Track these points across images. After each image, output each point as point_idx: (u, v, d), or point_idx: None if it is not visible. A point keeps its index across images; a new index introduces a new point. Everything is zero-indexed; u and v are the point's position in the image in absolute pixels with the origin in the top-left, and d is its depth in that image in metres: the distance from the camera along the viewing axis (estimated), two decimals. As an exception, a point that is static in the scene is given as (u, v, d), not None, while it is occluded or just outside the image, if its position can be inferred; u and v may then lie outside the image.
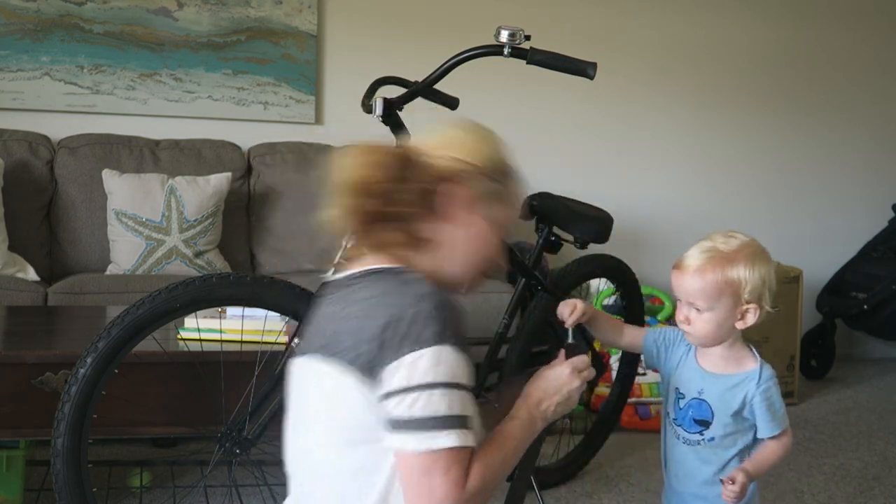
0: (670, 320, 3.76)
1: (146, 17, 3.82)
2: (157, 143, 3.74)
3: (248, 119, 3.97)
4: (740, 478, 1.56)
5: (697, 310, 1.61)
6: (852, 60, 4.94)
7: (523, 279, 2.56)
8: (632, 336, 1.80)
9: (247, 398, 2.02)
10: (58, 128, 3.70)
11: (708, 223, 4.68)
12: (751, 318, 1.61)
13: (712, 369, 1.65)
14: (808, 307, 4.49)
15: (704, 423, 1.63)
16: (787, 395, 3.99)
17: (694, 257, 1.61)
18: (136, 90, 3.83)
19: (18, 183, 3.47)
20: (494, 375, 2.59)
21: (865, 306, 4.32)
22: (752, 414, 1.61)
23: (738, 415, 1.61)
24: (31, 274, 3.29)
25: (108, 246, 3.49)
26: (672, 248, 4.53)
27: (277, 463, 2.76)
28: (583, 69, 1.93)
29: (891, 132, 5.04)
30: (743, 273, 1.59)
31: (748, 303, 1.60)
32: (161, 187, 3.45)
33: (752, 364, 1.64)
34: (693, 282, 1.60)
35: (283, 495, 2.57)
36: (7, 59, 3.68)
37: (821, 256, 4.79)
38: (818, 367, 4.48)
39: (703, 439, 1.63)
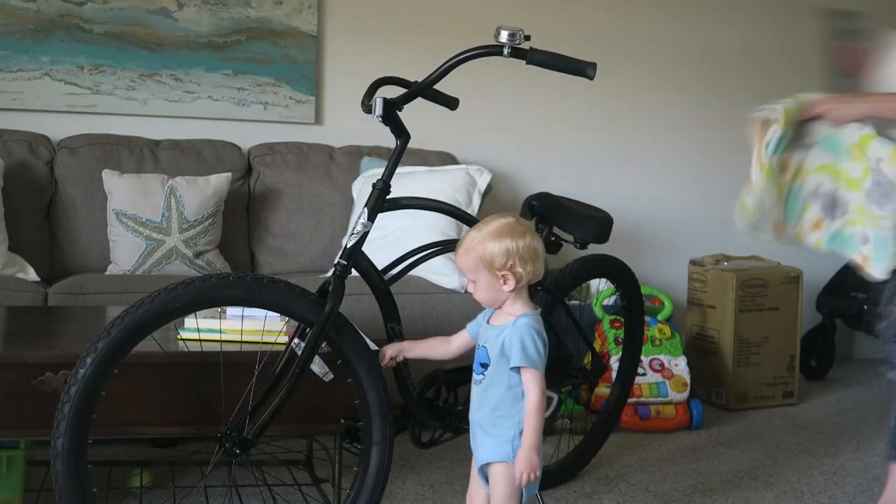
0: (670, 320, 3.76)
1: (146, 18, 3.82)
2: (157, 143, 3.74)
3: (248, 119, 3.97)
4: (519, 466, 1.87)
5: (473, 281, 1.98)
6: (852, 60, 4.93)
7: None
8: (459, 338, 2.13)
9: (247, 398, 2.02)
10: (58, 128, 3.70)
11: (707, 223, 4.69)
12: (511, 282, 1.94)
13: (494, 323, 2.00)
14: (808, 307, 4.49)
15: (485, 365, 1.97)
16: (787, 395, 3.99)
17: (462, 241, 1.98)
18: (136, 90, 3.83)
19: (18, 183, 3.47)
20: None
21: (865, 306, 4.32)
22: (511, 351, 1.92)
23: (502, 354, 1.94)
24: (31, 274, 3.29)
25: (108, 246, 3.49)
26: (672, 248, 4.55)
27: (277, 463, 2.77)
28: (582, 69, 1.93)
29: (891, 132, 5.04)
30: (490, 249, 1.93)
31: (500, 270, 1.93)
32: (161, 187, 3.45)
33: (515, 316, 1.96)
34: (461, 261, 1.98)
35: (283, 495, 2.58)
36: (7, 60, 3.68)
37: (821, 256, 4.75)
38: (818, 367, 4.48)
39: (483, 378, 1.98)
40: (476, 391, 2.00)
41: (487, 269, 1.94)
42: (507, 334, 1.93)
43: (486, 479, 1.99)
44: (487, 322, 2.03)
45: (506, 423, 1.95)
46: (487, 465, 1.97)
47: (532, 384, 1.90)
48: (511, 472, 1.92)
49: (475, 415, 2.00)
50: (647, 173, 4.57)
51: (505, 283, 1.94)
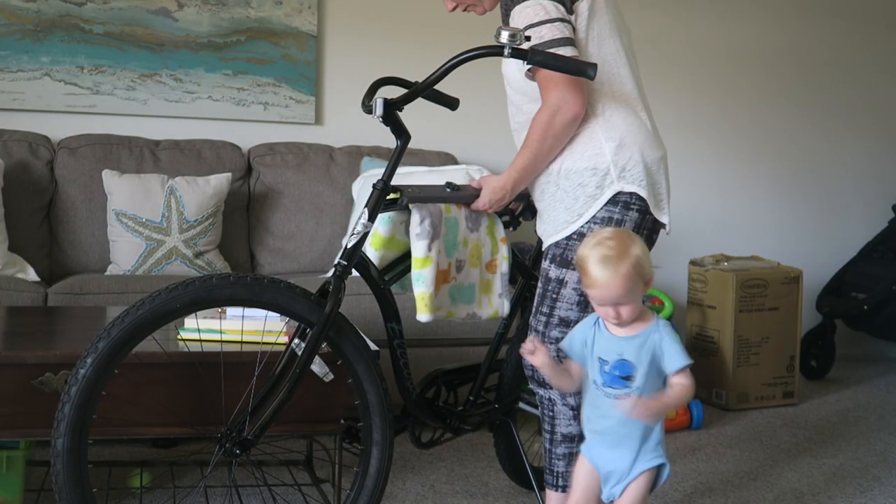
0: (670, 320, 3.76)
1: (146, 18, 3.82)
2: (157, 143, 3.74)
3: (248, 119, 3.98)
4: (651, 403, 1.87)
5: (622, 305, 1.89)
6: (852, 60, 4.94)
7: (523, 279, 2.56)
8: (573, 369, 2.03)
9: (247, 398, 2.02)
10: (58, 128, 3.71)
11: (707, 223, 4.69)
12: (650, 283, 1.93)
13: (624, 334, 1.93)
14: (808, 307, 4.50)
15: (629, 378, 1.91)
16: (787, 395, 3.99)
17: (603, 274, 1.87)
18: (137, 90, 3.83)
19: (18, 183, 3.47)
20: (495, 376, 2.60)
21: (865, 307, 4.33)
22: (663, 357, 1.90)
23: (652, 364, 1.90)
24: (31, 274, 3.29)
25: (108, 246, 3.49)
26: (672, 249, 4.55)
27: (277, 463, 2.77)
28: (583, 70, 1.93)
29: (891, 132, 5.05)
30: (635, 256, 1.88)
31: (645, 277, 1.90)
32: (161, 188, 3.45)
33: (650, 319, 1.94)
34: (615, 290, 1.87)
35: (283, 495, 2.58)
36: (7, 60, 3.68)
37: (821, 256, 4.79)
38: (818, 368, 4.48)
39: (630, 391, 1.91)
40: (614, 408, 1.93)
41: (641, 280, 1.89)
42: (654, 340, 1.90)
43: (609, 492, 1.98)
44: (610, 332, 1.96)
45: (657, 427, 1.95)
46: (637, 476, 1.94)
47: (690, 378, 1.89)
48: (651, 477, 1.94)
49: (622, 429, 1.94)
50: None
51: (645, 289, 1.91)
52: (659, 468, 1.97)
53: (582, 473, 2.02)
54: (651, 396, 1.89)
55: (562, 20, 2.03)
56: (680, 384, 1.90)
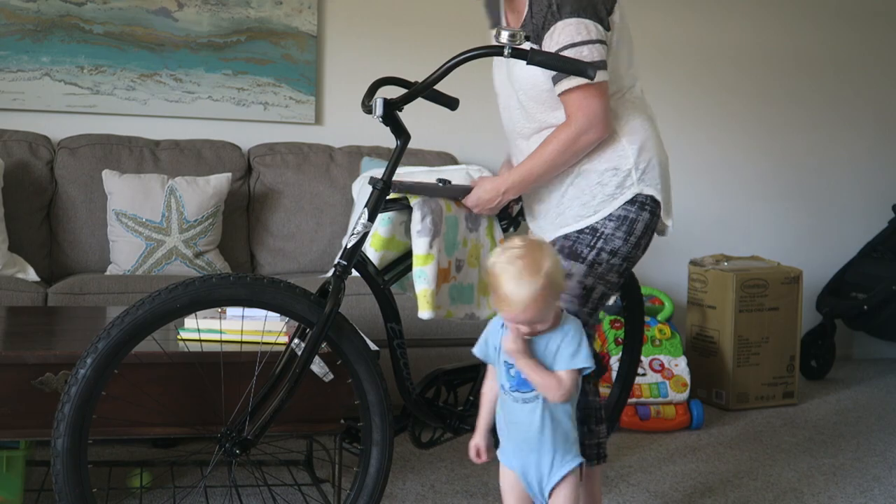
0: (670, 320, 3.76)
1: (146, 18, 3.82)
2: (157, 143, 3.74)
3: (248, 119, 3.98)
4: (520, 345, 1.84)
5: (538, 322, 1.84)
6: (852, 60, 4.94)
7: (523, 279, 2.55)
8: (491, 373, 2.02)
9: (247, 398, 2.02)
10: (58, 128, 3.71)
11: (708, 224, 4.69)
12: (565, 289, 1.94)
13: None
14: (808, 307, 4.50)
15: None
16: (787, 395, 3.99)
17: (517, 295, 1.79)
18: (137, 91, 3.83)
19: (18, 183, 3.47)
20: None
21: (865, 307, 4.33)
22: (577, 353, 1.87)
23: (556, 360, 1.87)
24: (31, 274, 3.29)
25: (108, 246, 3.49)
26: (672, 249, 4.55)
27: (277, 463, 2.77)
28: (583, 70, 1.93)
29: (891, 132, 5.05)
30: (547, 275, 1.80)
31: (561, 286, 1.87)
32: (161, 188, 3.45)
33: (560, 321, 1.90)
34: (529, 314, 1.81)
35: (283, 495, 2.58)
36: (7, 60, 3.68)
37: (821, 256, 4.79)
38: (818, 368, 4.48)
39: (538, 394, 1.87)
40: (528, 409, 1.89)
41: (555, 295, 1.84)
42: (557, 341, 1.86)
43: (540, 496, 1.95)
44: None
45: (571, 428, 1.91)
46: (562, 479, 1.91)
47: (569, 381, 1.85)
48: (576, 477, 1.91)
49: (534, 434, 1.89)
50: (647, 173, 4.56)
51: (558, 299, 1.87)
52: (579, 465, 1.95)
53: (508, 481, 1.98)
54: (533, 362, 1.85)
55: (601, 42, 2.04)
56: (557, 376, 1.84)
